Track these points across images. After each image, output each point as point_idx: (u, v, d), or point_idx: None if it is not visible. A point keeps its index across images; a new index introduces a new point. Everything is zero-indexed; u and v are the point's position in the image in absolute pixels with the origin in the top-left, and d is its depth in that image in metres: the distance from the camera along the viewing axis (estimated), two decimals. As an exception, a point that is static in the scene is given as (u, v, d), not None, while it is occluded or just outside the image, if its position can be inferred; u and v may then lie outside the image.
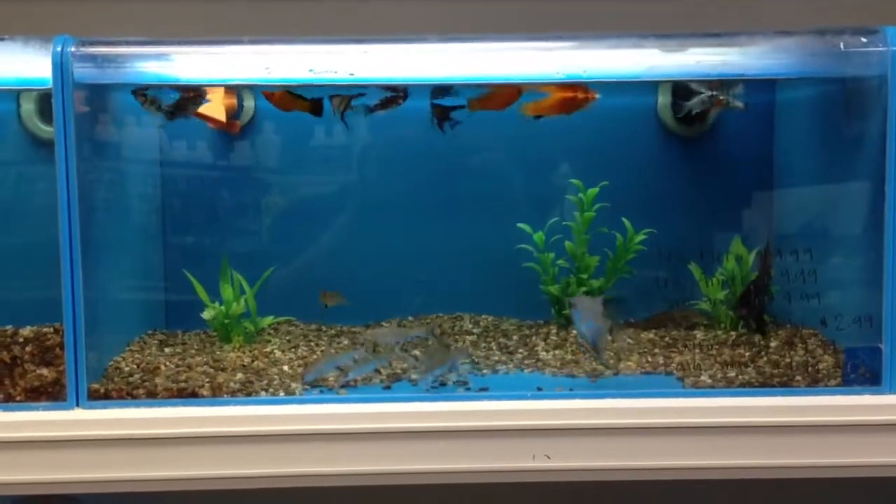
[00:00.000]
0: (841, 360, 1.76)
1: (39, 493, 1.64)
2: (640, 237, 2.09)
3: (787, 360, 1.80)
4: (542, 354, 1.94)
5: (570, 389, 1.74)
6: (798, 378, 1.74)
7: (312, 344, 2.00)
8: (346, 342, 2.02)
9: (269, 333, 2.04)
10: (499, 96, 1.94)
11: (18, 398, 1.66)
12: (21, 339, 1.71)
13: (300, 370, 1.81)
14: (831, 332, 1.82)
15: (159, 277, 2.12)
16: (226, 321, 1.96)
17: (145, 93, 1.84)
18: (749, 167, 2.16)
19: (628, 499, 1.94)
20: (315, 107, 1.94)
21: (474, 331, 2.12)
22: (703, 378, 1.76)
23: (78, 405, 1.66)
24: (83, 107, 1.71)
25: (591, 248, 2.12)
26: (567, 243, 2.12)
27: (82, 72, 1.69)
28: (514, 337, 2.05)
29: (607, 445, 1.64)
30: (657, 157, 2.19)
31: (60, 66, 1.66)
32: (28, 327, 1.74)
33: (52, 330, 1.72)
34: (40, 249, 1.71)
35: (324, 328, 2.13)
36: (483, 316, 2.20)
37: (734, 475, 1.65)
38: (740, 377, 1.75)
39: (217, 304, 1.98)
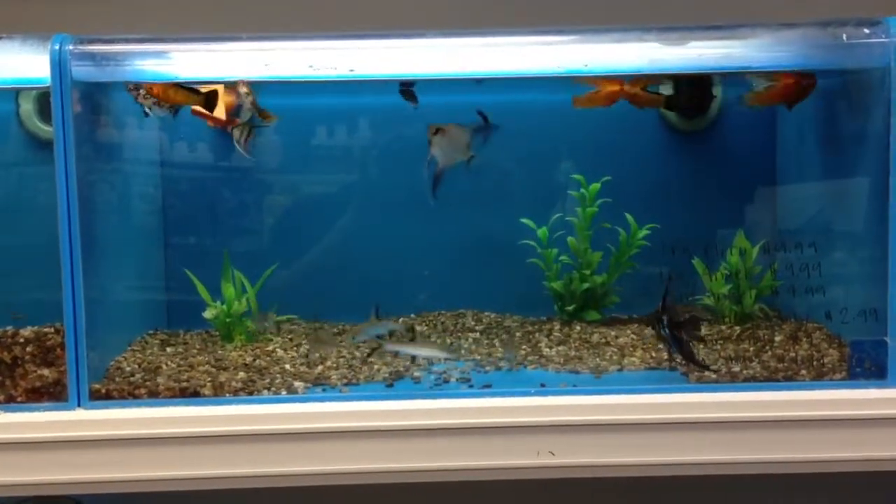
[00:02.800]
0: (846, 354, 1.75)
1: (42, 494, 1.64)
2: (643, 232, 2.08)
3: (792, 354, 1.79)
4: (546, 351, 1.93)
5: (574, 385, 1.73)
6: (803, 372, 1.73)
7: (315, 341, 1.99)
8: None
9: (271, 332, 2.03)
10: (606, 93, 1.93)
11: (20, 399, 1.66)
12: (21, 340, 1.70)
13: (302, 368, 1.80)
14: (836, 325, 1.81)
15: (160, 277, 2.11)
16: (227, 320, 1.95)
17: (139, 87, 1.83)
18: (752, 161, 2.15)
19: (634, 495, 1.93)
20: (209, 101, 1.90)
21: (477, 328, 2.11)
22: (706, 373, 1.75)
23: (80, 405, 1.66)
24: (82, 105, 1.70)
25: (594, 244, 2.11)
26: (570, 239, 2.11)
27: (81, 70, 1.68)
28: (518, 333, 2.04)
29: (612, 442, 1.63)
30: (659, 153, 2.18)
31: (59, 64, 1.65)
32: (29, 328, 1.73)
33: (52, 330, 1.71)
34: (41, 250, 1.70)
35: (326, 326, 2.12)
36: (485, 313, 2.19)
37: (740, 470, 1.64)
38: (745, 372, 1.74)
39: (218, 303, 1.97)
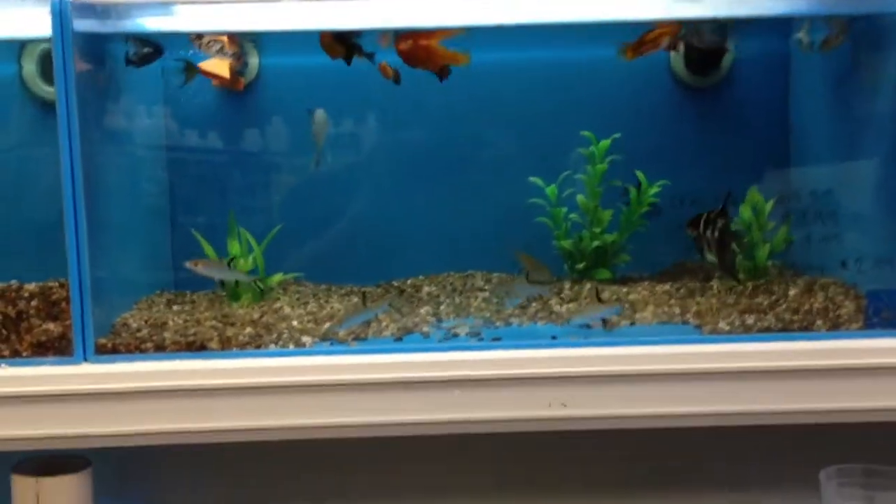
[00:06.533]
0: (862, 306, 1.72)
1: (49, 448, 1.62)
2: (654, 189, 2.05)
3: (807, 306, 1.76)
4: (557, 308, 1.90)
5: (586, 338, 1.70)
6: (819, 322, 1.70)
7: (322, 301, 1.97)
8: (356, 300, 1.99)
9: (279, 293, 2.01)
10: (655, 38, 1.90)
11: (25, 354, 1.64)
12: (26, 294, 1.68)
13: (310, 325, 1.78)
14: (852, 275, 1.78)
15: (166, 236, 2.08)
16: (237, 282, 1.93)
17: (139, 39, 1.81)
18: (764, 115, 2.12)
19: (647, 447, 1.91)
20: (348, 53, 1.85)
21: (486, 287, 2.09)
22: (721, 325, 1.72)
23: (85, 359, 1.64)
24: (83, 59, 1.68)
25: (604, 202, 2.08)
26: (579, 197, 2.08)
27: (82, 24, 1.66)
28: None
29: (624, 393, 1.61)
30: (670, 109, 2.15)
31: (60, 16, 1.63)
32: (34, 283, 1.71)
33: (57, 284, 1.68)
34: (45, 214, 1.69)
35: (333, 288, 2.10)
36: (495, 273, 2.17)
37: (754, 421, 1.62)
38: (759, 324, 1.72)
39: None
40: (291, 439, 1.63)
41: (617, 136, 2.05)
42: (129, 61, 1.89)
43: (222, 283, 1.94)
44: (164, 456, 1.87)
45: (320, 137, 1.93)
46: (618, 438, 1.74)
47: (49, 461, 1.73)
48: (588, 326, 1.76)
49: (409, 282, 2.12)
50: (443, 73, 1.86)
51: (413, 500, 1.88)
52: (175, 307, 1.91)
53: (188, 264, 1.82)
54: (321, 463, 1.85)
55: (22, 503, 1.69)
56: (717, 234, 1.70)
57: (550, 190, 2.08)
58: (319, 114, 1.91)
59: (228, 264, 1.85)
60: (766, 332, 1.68)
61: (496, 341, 1.70)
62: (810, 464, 1.75)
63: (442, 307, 1.94)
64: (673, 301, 1.88)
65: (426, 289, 2.07)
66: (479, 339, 1.73)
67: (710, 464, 1.88)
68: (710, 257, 1.74)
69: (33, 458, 1.74)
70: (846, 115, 1.89)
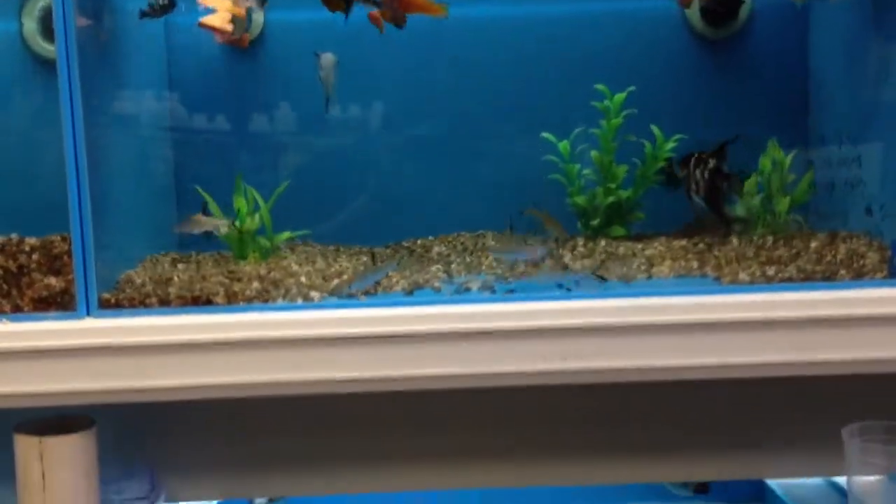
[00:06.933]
0: (887, 257, 1.67)
1: (52, 404, 1.58)
2: (671, 144, 2.00)
3: (829, 257, 1.71)
4: (570, 264, 1.86)
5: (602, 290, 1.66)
6: (842, 272, 1.65)
7: (330, 260, 1.92)
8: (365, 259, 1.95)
9: (286, 252, 1.97)
10: None
11: (26, 309, 1.60)
12: (27, 248, 1.64)
13: (318, 281, 1.74)
14: (876, 223, 1.73)
15: (171, 196, 2.04)
16: (240, 236, 1.89)
17: None
18: (782, 66, 2.06)
19: (665, 401, 1.85)
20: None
21: (498, 247, 2.04)
22: (741, 276, 1.67)
23: (88, 314, 1.60)
24: (84, 15, 1.63)
25: (619, 157, 2.03)
26: (593, 152, 2.03)
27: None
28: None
29: (642, 345, 1.56)
30: (686, 61, 2.10)
31: (58, -38, 1.58)
32: (34, 237, 1.67)
33: (59, 238, 1.64)
34: (47, 170, 1.65)
35: (341, 248, 2.06)
36: (506, 233, 2.12)
37: (775, 372, 1.57)
38: (780, 275, 1.67)
39: (231, 220, 1.91)
40: (301, 395, 1.58)
41: (632, 89, 2.00)
42: (144, 14, 1.84)
43: (225, 241, 1.90)
44: (170, 417, 1.82)
45: (329, 81, 1.87)
46: (635, 393, 1.70)
47: (52, 422, 1.69)
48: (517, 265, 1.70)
49: (418, 242, 2.08)
50: (398, 21, 1.78)
51: (425, 455, 1.83)
52: (180, 266, 1.87)
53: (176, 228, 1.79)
54: (333, 420, 1.80)
55: (25, 463, 1.65)
56: (706, 174, 1.63)
57: (563, 146, 2.03)
58: (326, 57, 1.85)
59: (203, 210, 1.81)
60: (788, 282, 1.63)
61: (510, 293, 1.65)
62: (833, 421, 1.70)
63: (453, 266, 1.90)
64: (691, 255, 1.83)
65: (436, 249, 2.03)
66: (492, 292, 1.68)
67: (729, 419, 1.83)
68: (697, 199, 1.68)
69: (36, 419, 1.70)
70: (868, 62, 1.84)
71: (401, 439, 1.82)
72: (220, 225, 1.83)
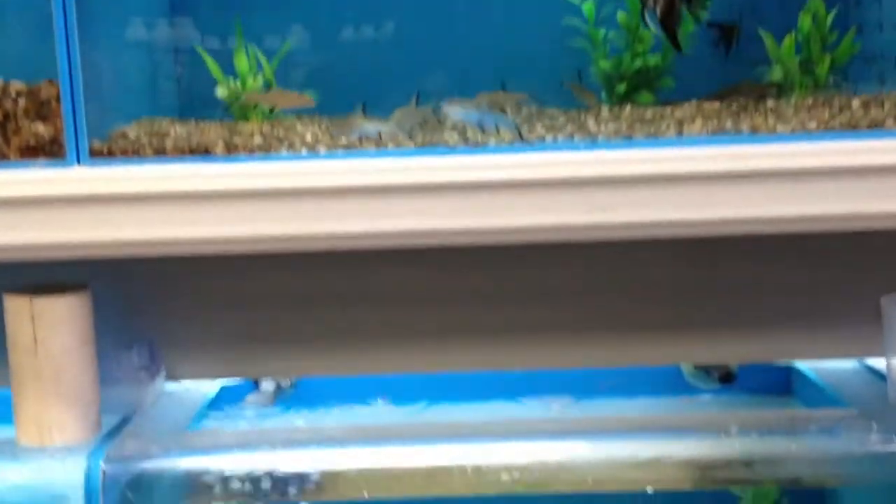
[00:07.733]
0: (938, 109, 1.55)
1: (42, 257, 1.48)
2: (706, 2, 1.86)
3: (873, 114, 1.58)
4: (594, 129, 1.73)
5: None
6: (889, 121, 1.52)
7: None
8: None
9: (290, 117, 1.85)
10: None
11: (12, 157, 1.50)
12: (13, 94, 1.53)
13: (325, 139, 1.62)
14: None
15: (169, 55, 1.92)
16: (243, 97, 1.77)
17: None
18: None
19: (697, 258, 1.75)
20: None
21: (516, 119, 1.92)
22: (779, 128, 1.55)
23: (79, 162, 1.49)
24: None
25: (648, 19, 1.89)
26: (620, 14, 1.90)
27: None
28: (561, 118, 1.85)
29: (672, 197, 1.45)
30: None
31: None
32: (21, 82, 1.56)
33: (47, 82, 1.53)
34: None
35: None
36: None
37: (815, 226, 1.46)
38: (821, 127, 1.54)
39: (232, 80, 1.79)
40: (307, 252, 1.48)
41: (661, -57, 1.86)
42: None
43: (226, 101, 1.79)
44: (169, 288, 1.74)
45: None
46: (664, 249, 1.59)
47: (44, 286, 1.60)
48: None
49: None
50: None
51: (440, 310, 1.74)
52: (178, 125, 1.76)
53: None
54: (346, 277, 1.71)
55: (15, 325, 1.57)
56: None
57: (587, 7, 1.90)
58: None
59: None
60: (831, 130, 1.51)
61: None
62: (871, 290, 1.60)
63: (469, 132, 1.78)
64: (724, 115, 1.70)
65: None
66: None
67: (763, 278, 1.73)
68: (651, 22, 1.53)
69: (27, 284, 1.61)
70: None
71: (414, 293, 1.72)
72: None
